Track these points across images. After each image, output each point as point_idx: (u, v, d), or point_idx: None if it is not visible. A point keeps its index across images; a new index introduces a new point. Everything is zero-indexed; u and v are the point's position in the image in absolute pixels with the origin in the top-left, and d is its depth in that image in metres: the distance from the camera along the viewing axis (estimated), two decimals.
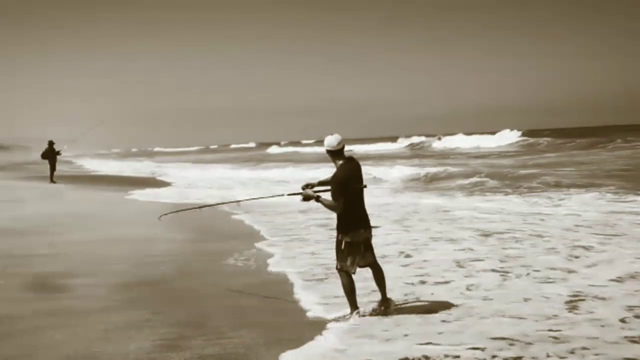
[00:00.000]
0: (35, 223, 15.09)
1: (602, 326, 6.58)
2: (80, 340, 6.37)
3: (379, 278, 7.07)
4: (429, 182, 25.72)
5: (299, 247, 11.51)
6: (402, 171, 28.27)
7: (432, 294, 8.06)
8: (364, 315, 6.94)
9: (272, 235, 13.07)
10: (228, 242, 12.37)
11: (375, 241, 7.18)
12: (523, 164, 34.84)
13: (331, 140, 6.74)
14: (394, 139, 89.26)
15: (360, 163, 7.08)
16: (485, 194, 20.63)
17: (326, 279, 8.92)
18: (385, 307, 7.10)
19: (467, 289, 8.29)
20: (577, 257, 10.07)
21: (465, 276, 9.05)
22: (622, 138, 51.27)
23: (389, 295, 7.25)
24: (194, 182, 32.48)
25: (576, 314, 7.05)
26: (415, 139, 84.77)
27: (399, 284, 8.43)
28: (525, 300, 7.67)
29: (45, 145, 30.38)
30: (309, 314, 7.32)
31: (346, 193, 6.65)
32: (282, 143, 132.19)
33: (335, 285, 7.64)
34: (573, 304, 7.44)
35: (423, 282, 8.69)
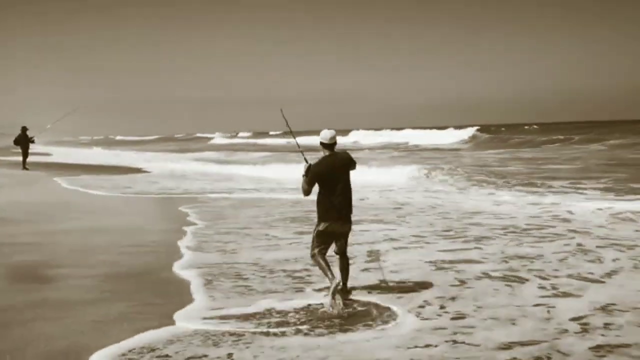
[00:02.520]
0: (11, 211, 14.45)
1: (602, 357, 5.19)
2: (72, 333, 5.99)
3: (344, 268, 7.22)
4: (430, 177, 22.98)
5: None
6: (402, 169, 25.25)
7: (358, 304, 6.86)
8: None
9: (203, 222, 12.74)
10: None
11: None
12: (501, 159, 33.79)
13: (325, 134, 7.06)
14: (345, 133, 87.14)
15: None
16: (485, 188, 19.16)
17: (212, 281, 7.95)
18: (345, 294, 7.12)
19: (426, 302, 6.88)
20: (602, 259, 8.76)
21: (452, 284, 7.61)
22: (577, 134, 51.70)
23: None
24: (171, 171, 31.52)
25: (581, 336, 5.61)
26: (363, 133, 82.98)
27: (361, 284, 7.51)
28: (522, 316, 6.25)
29: (18, 131, 28.78)
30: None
31: (321, 184, 6.97)
32: (239, 134, 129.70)
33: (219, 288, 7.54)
34: (584, 321, 6.06)
35: (374, 289, 7.46)
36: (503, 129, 72.48)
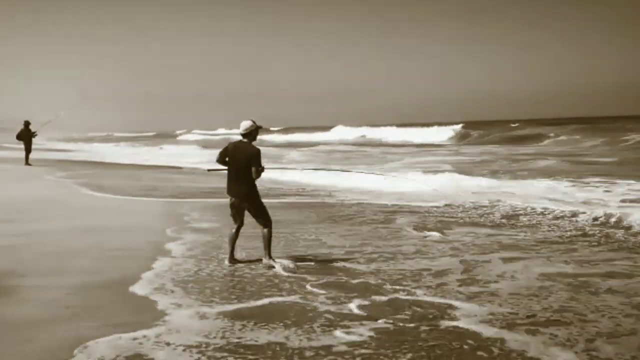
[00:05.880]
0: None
1: None
2: None
3: (263, 239, 7.74)
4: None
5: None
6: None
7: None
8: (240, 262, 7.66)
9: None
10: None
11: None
12: (528, 154, 31.14)
13: (241, 124, 7.62)
14: (326, 129, 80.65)
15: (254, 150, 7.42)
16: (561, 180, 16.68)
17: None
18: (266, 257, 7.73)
19: (575, 340, 4.73)
20: None
21: (604, 312, 5.34)
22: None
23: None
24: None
25: None
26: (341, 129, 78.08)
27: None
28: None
29: (21, 126, 26.55)
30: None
31: (227, 164, 7.61)
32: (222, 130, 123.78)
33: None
34: None
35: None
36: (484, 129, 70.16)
